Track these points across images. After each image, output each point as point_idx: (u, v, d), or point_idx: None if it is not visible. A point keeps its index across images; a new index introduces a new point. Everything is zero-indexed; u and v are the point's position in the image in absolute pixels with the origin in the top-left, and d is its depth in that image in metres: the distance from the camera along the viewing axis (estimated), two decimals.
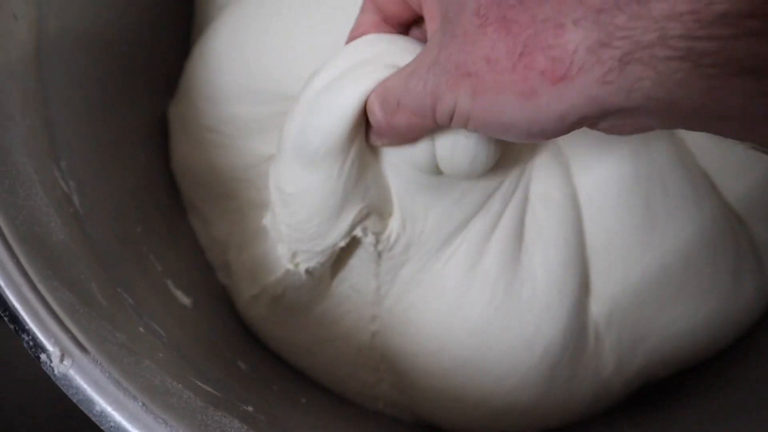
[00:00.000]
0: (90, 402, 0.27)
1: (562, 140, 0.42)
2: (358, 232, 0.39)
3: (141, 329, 0.34)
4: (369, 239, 0.40)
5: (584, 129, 0.40)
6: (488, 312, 0.41)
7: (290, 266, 0.41)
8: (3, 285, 0.28)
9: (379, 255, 0.42)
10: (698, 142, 0.42)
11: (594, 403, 0.44)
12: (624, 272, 0.42)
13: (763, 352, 0.46)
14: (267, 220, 0.41)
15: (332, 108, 0.34)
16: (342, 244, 0.39)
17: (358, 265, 0.43)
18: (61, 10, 0.40)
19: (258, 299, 0.45)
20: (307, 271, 0.41)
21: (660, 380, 0.46)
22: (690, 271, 0.42)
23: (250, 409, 0.34)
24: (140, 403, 0.27)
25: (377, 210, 0.39)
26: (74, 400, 0.27)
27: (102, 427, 0.26)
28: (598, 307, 0.43)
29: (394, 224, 0.40)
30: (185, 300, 0.43)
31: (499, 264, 0.41)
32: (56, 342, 0.27)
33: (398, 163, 0.38)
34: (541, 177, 0.42)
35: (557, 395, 0.43)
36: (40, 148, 0.36)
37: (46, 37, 0.38)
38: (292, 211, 0.38)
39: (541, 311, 0.40)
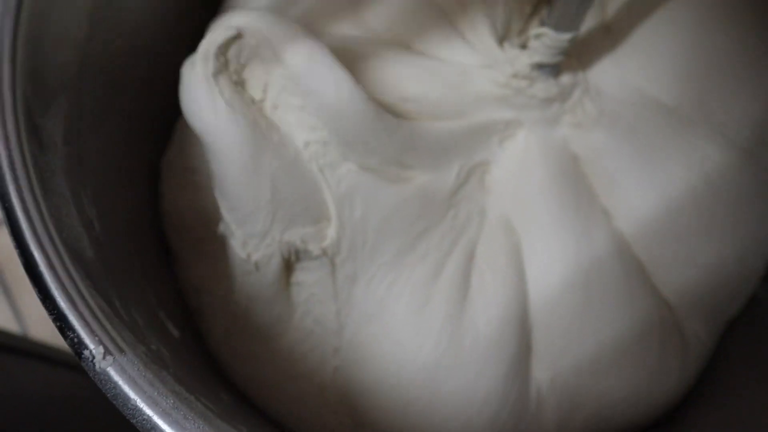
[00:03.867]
0: (125, 397, 0.30)
1: (515, 222, 0.49)
2: (295, 240, 0.43)
3: (153, 347, 0.37)
4: (313, 247, 0.44)
5: (536, 210, 0.47)
6: (435, 354, 0.45)
7: (242, 254, 0.44)
8: (52, 287, 0.31)
9: (333, 266, 0.45)
10: (635, 234, 0.49)
11: None
12: (563, 346, 0.48)
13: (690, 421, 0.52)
14: (220, 226, 0.45)
15: None
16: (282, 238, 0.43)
17: (316, 286, 0.47)
18: (108, 30, 0.44)
19: (228, 332, 0.48)
20: (256, 265, 0.44)
21: None
22: (621, 351, 0.48)
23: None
24: (171, 402, 0.30)
25: (309, 213, 0.43)
26: (109, 395, 0.30)
27: (134, 421, 0.29)
28: (540, 372, 0.48)
29: (331, 232, 0.44)
30: (174, 332, 0.46)
31: (445, 312, 0.46)
32: (99, 341, 0.30)
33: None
34: (490, 246, 0.48)
35: None
36: (74, 173, 0.40)
37: (90, 59, 0.42)
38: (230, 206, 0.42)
39: (481, 361, 0.46)
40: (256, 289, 0.46)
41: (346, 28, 0.51)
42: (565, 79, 0.48)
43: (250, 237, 0.44)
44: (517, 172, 0.50)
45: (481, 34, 0.50)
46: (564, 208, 0.48)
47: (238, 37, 0.40)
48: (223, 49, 0.40)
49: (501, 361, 0.47)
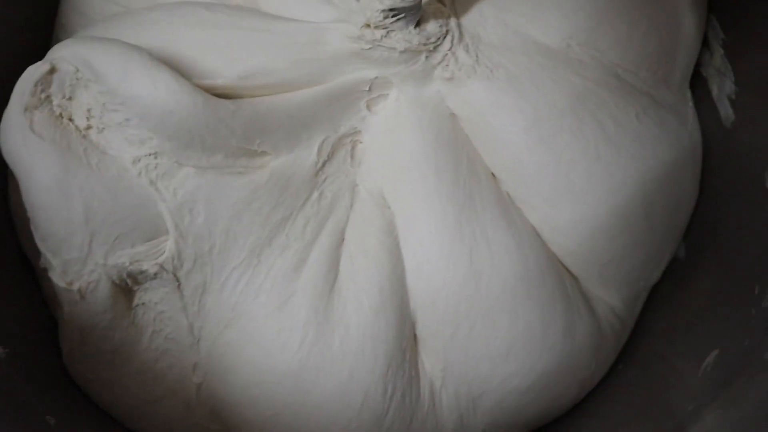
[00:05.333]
0: None
1: (388, 195, 0.43)
2: (124, 262, 0.40)
3: None
4: (148, 266, 0.40)
5: (411, 180, 0.41)
6: (300, 355, 0.40)
7: (62, 283, 0.40)
8: None
9: (178, 280, 0.41)
10: (526, 199, 0.43)
11: None
12: (453, 329, 0.42)
13: (614, 407, 0.47)
14: (41, 260, 0.41)
15: None
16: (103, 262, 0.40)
17: (163, 303, 0.42)
18: None
19: (71, 352, 0.43)
20: (81, 293, 0.40)
21: None
22: (518, 328, 0.42)
23: None
24: None
25: (139, 231, 0.40)
26: None
27: None
28: (431, 362, 0.43)
29: (169, 245, 0.40)
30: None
31: (309, 305, 0.41)
32: None
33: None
34: (361, 226, 0.43)
35: None
36: None
37: None
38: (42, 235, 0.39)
39: (354, 357, 0.40)
40: (86, 318, 0.41)
41: None
42: (431, 27, 0.42)
43: (67, 265, 0.40)
44: (389, 137, 0.44)
45: None
46: (440, 175, 0.42)
47: (53, 71, 0.39)
48: (42, 85, 0.39)
49: (378, 355, 0.41)
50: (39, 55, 0.41)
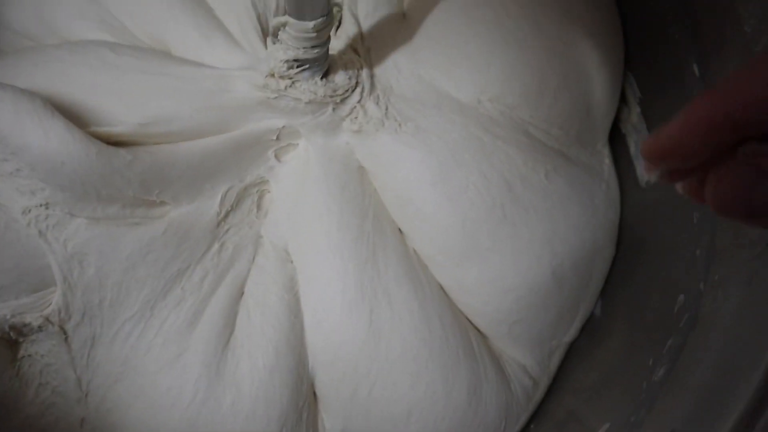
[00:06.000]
0: None
1: (292, 248, 0.42)
2: (6, 314, 0.38)
3: None
4: (31, 319, 0.38)
5: (315, 234, 0.40)
6: (189, 413, 0.39)
7: None
8: None
9: (65, 333, 0.40)
10: (432, 256, 0.42)
11: None
12: (352, 389, 0.41)
13: None
14: None
15: None
16: None
17: (50, 356, 0.40)
18: None
19: None
20: None
21: None
22: (419, 390, 0.41)
23: None
24: None
25: (23, 283, 0.38)
26: None
27: None
28: (331, 421, 0.42)
29: (56, 298, 0.39)
30: None
31: (201, 362, 0.39)
32: None
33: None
34: (262, 281, 0.41)
35: None
36: None
37: None
38: None
39: (246, 418, 0.39)
40: None
41: (96, 33, 0.44)
42: (339, 78, 0.41)
43: None
44: (296, 188, 0.43)
45: (246, 28, 0.43)
46: (344, 230, 0.41)
47: None
48: None
49: (271, 418, 0.39)
50: None
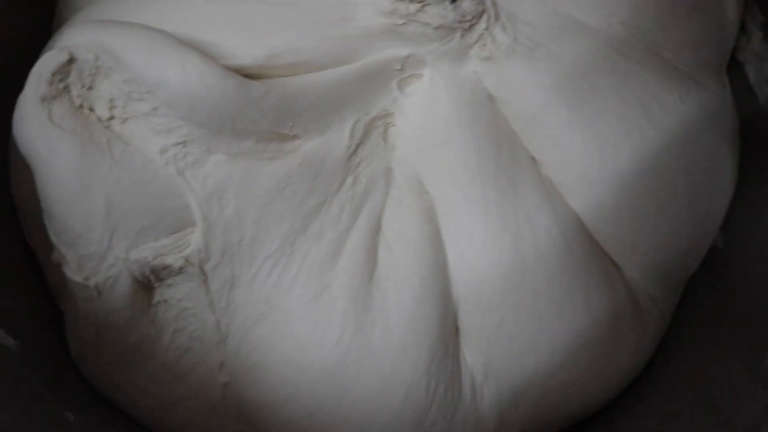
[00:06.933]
0: None
1: (426, 180, 0.41)
2: (147, 257, 0.37)
3: None
4: (172, 260, 0.38)
5: (450, 164, 0.39)
6: (339, 349, 0.38)
7: (78, 278, 0.38)
8: None
9: (204, 275, 0.38)
10: (569, 183, 0.41)
11: None
12: (498, 321, 0.40)
13: (653, 399, 0.45)
14: (54, 254, 0.39)
15: None
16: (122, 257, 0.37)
17: (187, 299, 0.39)
18: None
19: (82, 351, 0.40)
20: (98, 289, 0.37)
21: None
22: (564, 319, 0.40)
23: None
24: None
25: (163, 224, 0.37)
26: None
27: None
28: (473, 356, 0.40)
29: (196, 237, 0.38)
30: (10, 341, 0.37)
31: (347, 297, 0.38)
32: None
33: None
34: (398, 213, 0.40)
35: None
36: None
37: None
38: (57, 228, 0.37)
39: (396, 351, 0.38)
40: (103, 316, 0.38)
41: None
42: (466, 4, 0.40)
43: (84, 260, 0.37)
44: (423, 120, 0.41)
45: None
46: (482, 159, 0.40)
47: (71, 60, 0.36)
48: (60, 75, 0.36)
49: (421, 349, 0.38)
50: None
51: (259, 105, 0.37)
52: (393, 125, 0.42)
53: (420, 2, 0.39)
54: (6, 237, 0.43)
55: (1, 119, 0.43)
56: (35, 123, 0.36)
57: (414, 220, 0.40)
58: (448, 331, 0.40)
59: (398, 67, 0.41)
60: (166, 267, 0.38)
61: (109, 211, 0.36)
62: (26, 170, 0.41)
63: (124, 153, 0.37)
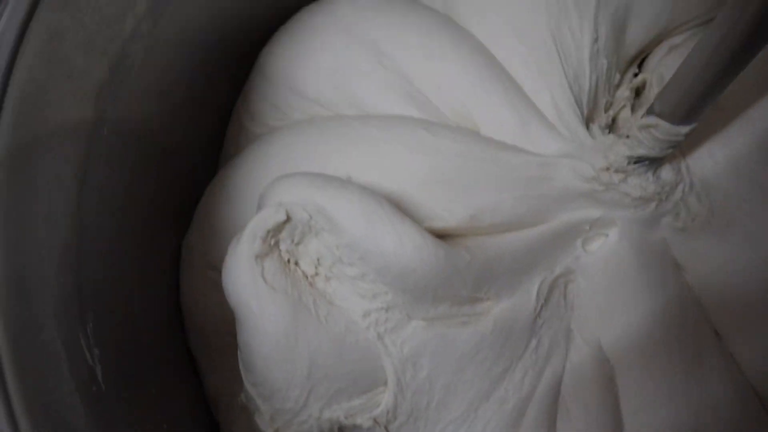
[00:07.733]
0: None
1: (607, 346, 0.40)
2: (339, 416, 0.37)
3: None
4: (362, 420, 0.38)
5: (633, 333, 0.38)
6: None
7: (269, 430, 0.38)
8: None
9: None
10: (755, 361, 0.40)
11: None
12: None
13: None
14: (242, 397, 0.39)
15: None
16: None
17: None
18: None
19: None
20: None
21: None
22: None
23: None
24: None
25: (358, 385, 0.37)
26: None
27: None
28: None
29: (386, 399, 0.38)
30: None
31: None
32: None
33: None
34: (578, 379, 0.40)
35: None
36: (71, 314, 0.32)
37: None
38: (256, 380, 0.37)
39: None
40: None
41: (402, 108, 0.43)
42: (666, 174, 0.39)
43: (278, 413, 0.37)
44: (607, 279, 0.41)
45: (563, 111, 0.41)
46: (667, 328, 0.39)
47: (288, 220, 0.36)
48: (274, 232, 0.36)
49: None
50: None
51: (464, 274, 0.37)
52: (572, 282, 0.42)
53: (624, 172, 0.38)
54: (169, 341, 0.45)
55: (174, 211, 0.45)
56: (249, 279, 0.35)
57: (595, 388, 0.39)
58: None
59: (587, 227, 0.40)
60: (356, 426, 0.38)
61: (311, 372, 0.36)
62: (212, 293, 0.42)
63: (329, 315, 0.37)
